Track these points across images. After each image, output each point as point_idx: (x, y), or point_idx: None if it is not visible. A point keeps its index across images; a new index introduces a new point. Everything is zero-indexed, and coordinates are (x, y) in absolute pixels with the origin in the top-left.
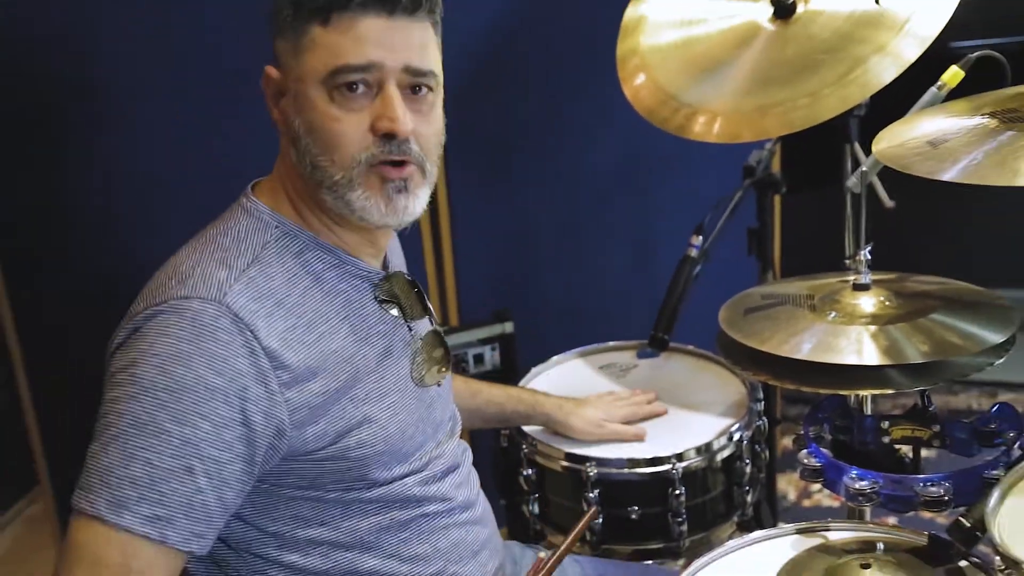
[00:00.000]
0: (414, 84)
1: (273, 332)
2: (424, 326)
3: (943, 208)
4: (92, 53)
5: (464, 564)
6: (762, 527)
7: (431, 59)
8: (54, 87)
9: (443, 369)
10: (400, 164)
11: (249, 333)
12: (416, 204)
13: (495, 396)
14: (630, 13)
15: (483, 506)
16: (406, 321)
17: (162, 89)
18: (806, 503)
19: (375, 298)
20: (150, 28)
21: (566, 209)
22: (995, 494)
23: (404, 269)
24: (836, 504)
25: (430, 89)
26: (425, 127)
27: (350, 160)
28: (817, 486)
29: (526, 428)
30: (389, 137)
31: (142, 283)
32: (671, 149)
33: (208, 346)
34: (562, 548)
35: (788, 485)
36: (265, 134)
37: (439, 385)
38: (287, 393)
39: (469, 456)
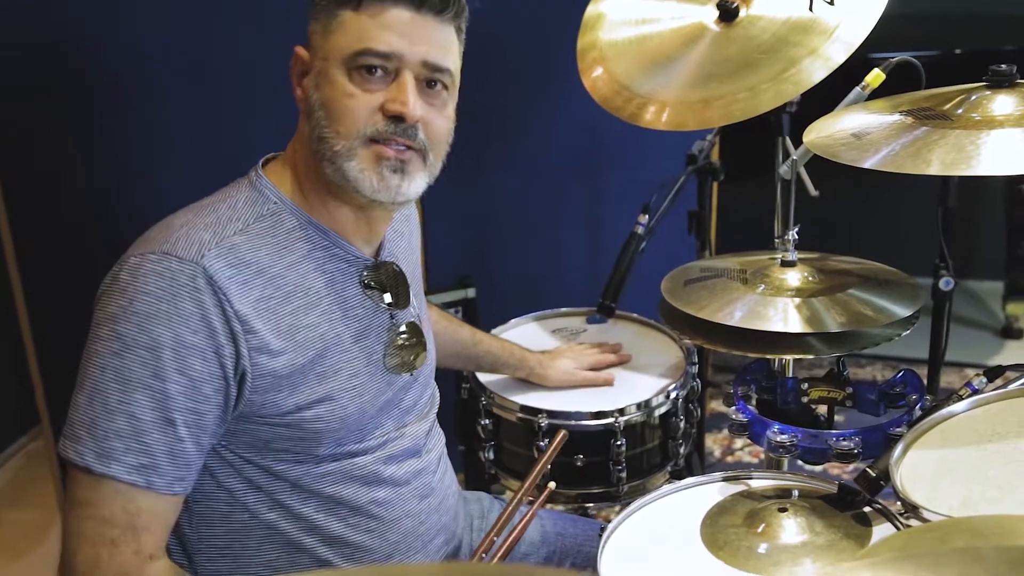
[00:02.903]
0: (430, 79)
1: (246, 299)
2: (407, 315)
3: (861, 199)
4: (111, 50)
5: (414, 554)
6: (692, 476)
7: (450, 59)
8: (68, 80)
9: (419, 357)
10: (402, 147)
11: (222, 295)
12: (411, 186)
13: (492, 347)
14: (590, 11)
15: (446, 491)
16: (389, 309)
17: (172, 82)
18: (729, 459)
19: (360, 282)
20: (164, 26)
21: (525, 187)
22: (898, 448)
23: (415, 253)
24: (755, 460)
25: (445, 87)
26: (435, 118)
27: (354, 132)
28: (739, 444)
29: (484, 381)
30: (397, 119)
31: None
32: (620, 136)
33: (185, 305)
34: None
35: (714, 444)
36: (272, 127)
37: (411, 374)
38: (256, 357)
39: (439, 442)
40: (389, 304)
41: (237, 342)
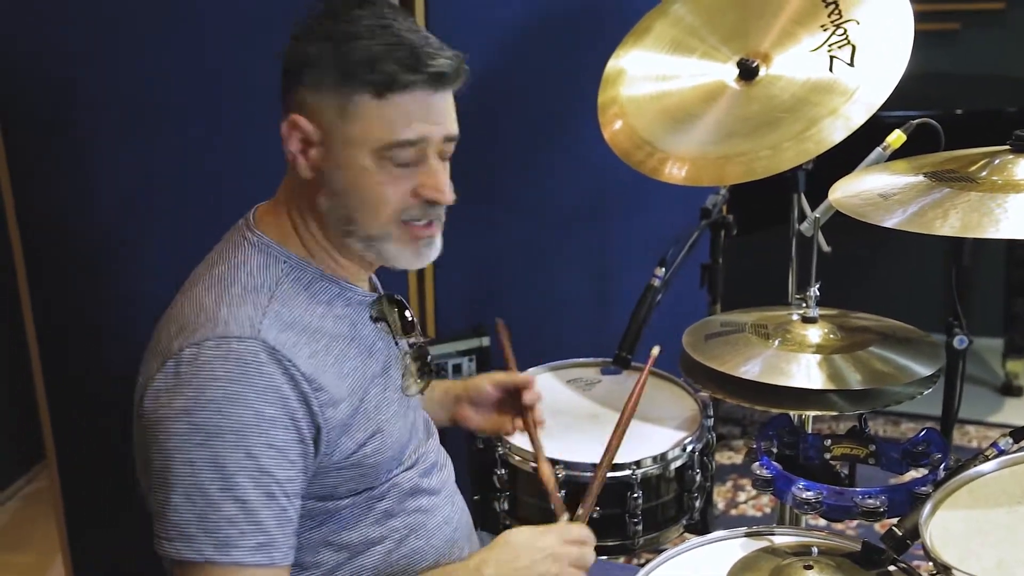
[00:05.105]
0: (447, 150)
1: (305, 358)
2: (410, 338)
3: (866, 254)
4: (117, 69)
5: (453, 558)
6: (708, 530)
7: (457, 123)
8: (80, 99)
9: (426, 378)
10: (431, 222)
11: (288, 362)
12: (437, 251)
13: (434, 396)
14: (611, 66)
15: (462, 502)
16: (393, 337)
17: (174, 103)
18: (733, 512)
19: (370, 318)
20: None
21: (536, 237)
22: (927, 507)
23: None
24: (759, 514)
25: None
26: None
27: (388, 217)
28: (743, 497)
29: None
30: (431, 203)
31: (141, 274)
32: (629, 186)
33: (256, 381)
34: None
35: (718, 496)
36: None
37: (422, 394)
38: (326, 413)
39: (448, 459)
40: (392, 332)
41: (309, 403)
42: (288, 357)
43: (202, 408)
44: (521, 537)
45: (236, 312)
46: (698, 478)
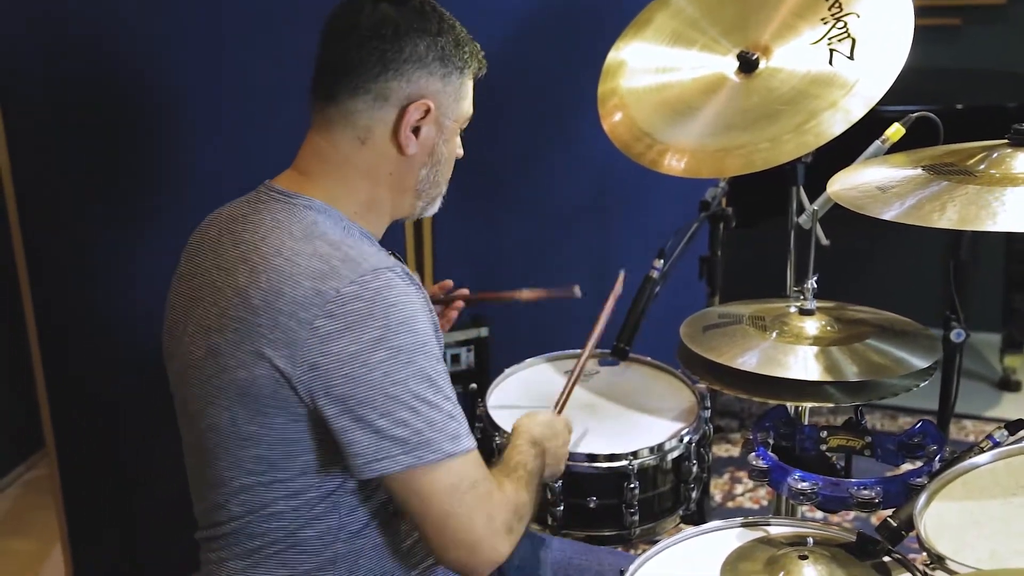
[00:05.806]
0: None
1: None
2: None
3: (864, 247)
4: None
5: None
6: (704, 521)
7: None
8: (80, 99)
9: None
10: None
11: (415, 283)
12: None
13: None
14: (611, 57)
15: None
16: None
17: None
18: (730, 504)
19: None
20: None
21: (536, 234)
22: (922, 498)
23: None
24: (756, 507)
25: None
26: None
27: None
28: (740, 489)
29: (498, 420)
30: None
31: (140, 273)
32: (629, 179)
33: (417, 300)
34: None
35: (714, 488)
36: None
37: None
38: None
39: None
40: None
41: (433, 315)
42: (415, 279)
43: (395, 333)
44: (557, 420)
45: (361, 250)
46: (695, 469)
